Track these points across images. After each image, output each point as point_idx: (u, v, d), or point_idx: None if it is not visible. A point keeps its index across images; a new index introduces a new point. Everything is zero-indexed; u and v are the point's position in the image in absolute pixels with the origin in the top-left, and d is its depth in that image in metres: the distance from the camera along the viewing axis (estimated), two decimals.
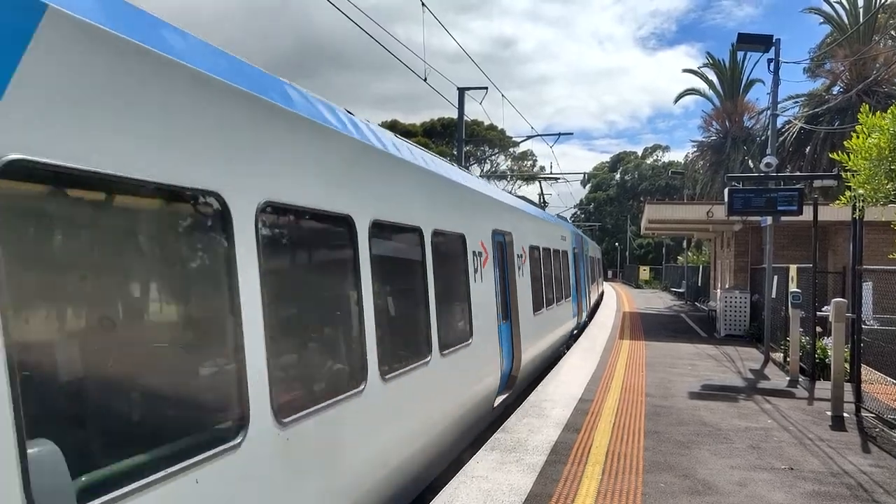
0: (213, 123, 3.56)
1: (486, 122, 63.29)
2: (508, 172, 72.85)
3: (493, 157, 70.22)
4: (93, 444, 2.79)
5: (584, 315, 23.78)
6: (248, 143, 3.89)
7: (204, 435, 3.29)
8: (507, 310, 10.84)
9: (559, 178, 43.93)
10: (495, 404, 9.64)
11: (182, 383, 3.44)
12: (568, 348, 17.38)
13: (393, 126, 71.01)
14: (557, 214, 30.21)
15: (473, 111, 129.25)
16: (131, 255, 3.23)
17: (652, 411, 9.71)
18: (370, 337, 5.28)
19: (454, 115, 25.05)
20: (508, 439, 7.86)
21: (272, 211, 4.09)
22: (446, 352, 7.28)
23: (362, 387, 4.98)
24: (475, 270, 8.87)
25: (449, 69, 44.88)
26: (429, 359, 6.73)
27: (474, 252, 8.91)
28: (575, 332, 20.29)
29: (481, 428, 9.09)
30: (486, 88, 23.58)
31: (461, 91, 23.74)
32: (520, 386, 11.33)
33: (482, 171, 70.03)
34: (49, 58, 2.60)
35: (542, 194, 39.06)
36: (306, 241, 4.92)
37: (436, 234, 7.28)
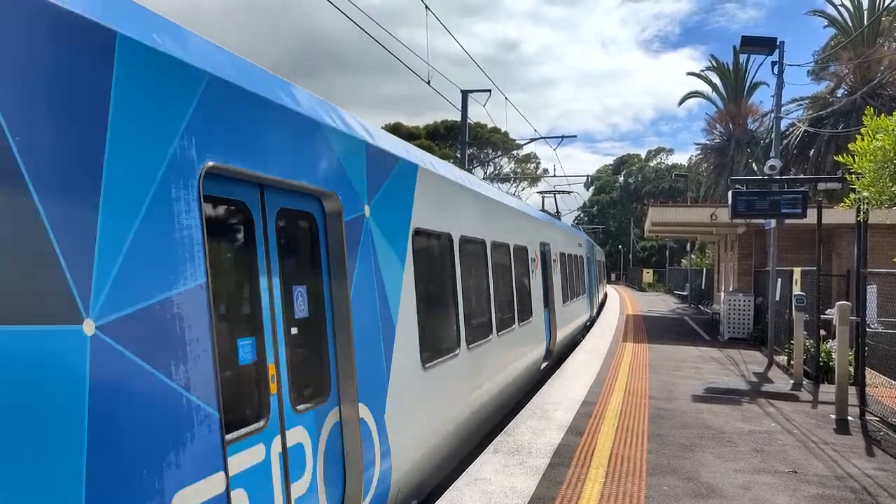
0: (454, 203, 7.76)
1: (490, 125, 63.34)
2: (512, 175, 72.86)
3: (497, 160, 70.24)
4: (430, 346, 6.61)
5: (595, 309, 27.75)
6: (458, 208, 7.99)
7: (451, 350, 7.33)
8: (546, 301, 14.40)
9: (571, 192, 44.31)
10: (542, 367, 13.36)
11: (450, 329, 7.49)
12: (583, 336, 20.34)
13: (396, 128, 71.05)
14: (574, 225, 32.59)
15: (477, 114, 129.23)
16: (442, 260, 7.42)
17: (655, 414, 9.69)
18: (493, 309, 9.44)
19: (457, 117, 25.07)
20: (511, 442, 7.85)
21: (463, 241, 8.12)
22: (521, 324, 11.36)
23: (490, 337, 9.10)
24: (532, 272, 12.73)
25: (452, 72, 45.15)
26: (513, 327, 10.73)
27: (531, 259, 12.83)
28: (588, 323, 23.29)
29: (533, 383, 12.64)
30: (490, 91, 23.59)
31: (464, 94, 23.75)
32: (554, 358, 14.82)
33: (485, 173, 70.02)
34: (421, 186, 6.42)
35: (556, 206, 39.48)
36: (472, 254, 8.70)
37: (516, 248, 11.43)
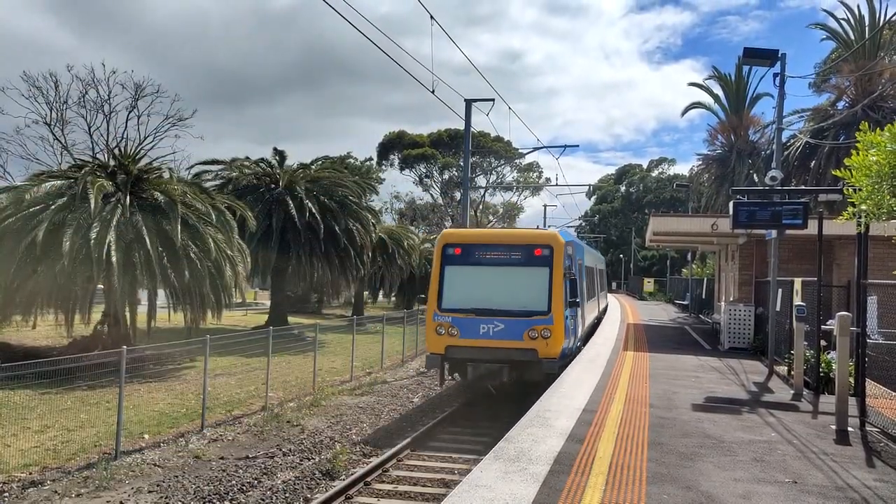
0: (586, 255, 22.26)
1: (493, 134, 63.43)
2: (514, 184, 72.94)
3: (499, 169, 70.36)
4: (588, 296, 22.23)
5: (607, 300, 39.39)
6: (589, 255, 23.81)
7: (589, 298, 22.40)
8: (598, 291, 27.17)
9: (579, 222, 50.27)
10: (595, 320, 24.51)
11: (588, 293, 21.87)
12: (604, 313, 31.93)
13: (400, 136, 71.20)
14: (588, 243, 45.53)
15: (480, 123, 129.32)
16: (589, 274, 23.03)
17: (655, 423, 9.72)
18: (596, 291, 26.91)
19: (461, 126, 25.21)
20: (512, 449, 7.89)
21: (587, 268, 22.28)
22: (593, 298, 23.99)
23: (595, 298, 25.57)
24: (596, 277, 25.89)
25: (457, 81, 45.61)
26: (595, 297, 25.51)
27: (594, 271, 24.70)
28: (605, 308, 35.13)
29: (595, 324, 24.44)
30: (493, 100, 23.78)
31: (468, 103, 23.91)
32: (599, 316, 27.39)
33: (487, 181, 70.13)
34: (586, 252, 22.02)
35: (578, 234, 44.23)
36: (592, 270, 24.03)
37: (592, 268, 23.87)
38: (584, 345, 19.00)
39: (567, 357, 15.82)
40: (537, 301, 15.33)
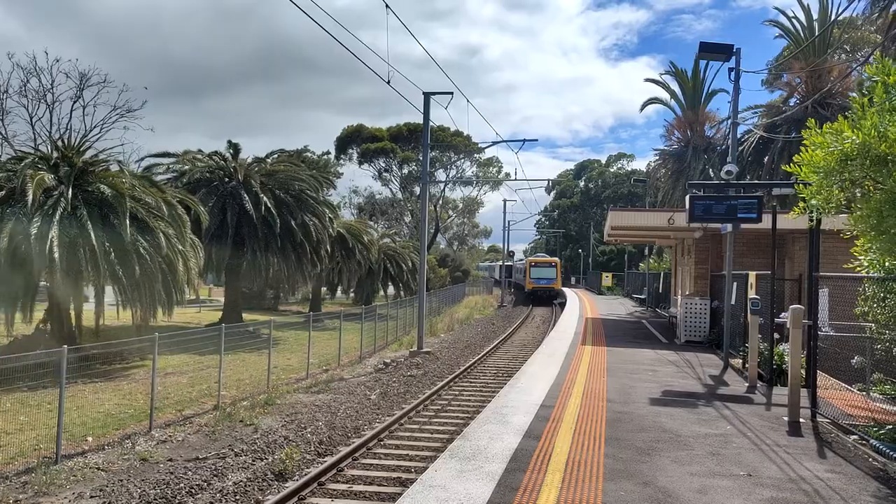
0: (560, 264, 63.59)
1: (452, 129, 63.27)
2: (474, 178, 72.94)
3: (459, 163, 70.30)
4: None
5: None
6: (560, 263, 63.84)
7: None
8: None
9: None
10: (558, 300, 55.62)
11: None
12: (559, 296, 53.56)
13: (359, 130, 70.51)
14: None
15: (440, 117, 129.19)
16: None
17: (613, 417, 9.67)
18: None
19: (420, 120, 24.96)
20: (468, 447, 7.72)
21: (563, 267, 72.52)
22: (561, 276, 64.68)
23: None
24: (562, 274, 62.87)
25: (416, 75, 45.64)
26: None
27: (561, 267, 62.57)
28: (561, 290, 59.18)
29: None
30: (452, 94, 23.57)
31: (426, 95, 23.66)
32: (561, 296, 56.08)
33: (447, 176, 69.96)
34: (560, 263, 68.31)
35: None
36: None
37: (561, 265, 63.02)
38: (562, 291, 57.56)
39: (561, 292, 56.04)
40: (554, 276, 56.89)
